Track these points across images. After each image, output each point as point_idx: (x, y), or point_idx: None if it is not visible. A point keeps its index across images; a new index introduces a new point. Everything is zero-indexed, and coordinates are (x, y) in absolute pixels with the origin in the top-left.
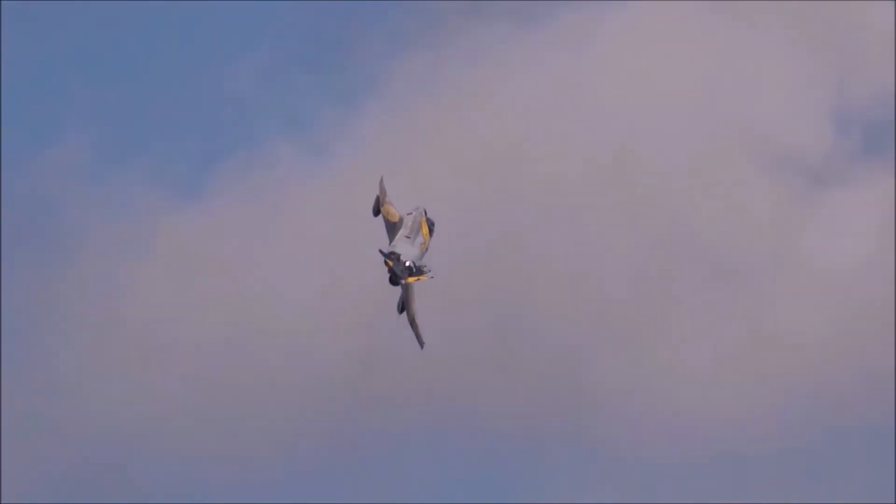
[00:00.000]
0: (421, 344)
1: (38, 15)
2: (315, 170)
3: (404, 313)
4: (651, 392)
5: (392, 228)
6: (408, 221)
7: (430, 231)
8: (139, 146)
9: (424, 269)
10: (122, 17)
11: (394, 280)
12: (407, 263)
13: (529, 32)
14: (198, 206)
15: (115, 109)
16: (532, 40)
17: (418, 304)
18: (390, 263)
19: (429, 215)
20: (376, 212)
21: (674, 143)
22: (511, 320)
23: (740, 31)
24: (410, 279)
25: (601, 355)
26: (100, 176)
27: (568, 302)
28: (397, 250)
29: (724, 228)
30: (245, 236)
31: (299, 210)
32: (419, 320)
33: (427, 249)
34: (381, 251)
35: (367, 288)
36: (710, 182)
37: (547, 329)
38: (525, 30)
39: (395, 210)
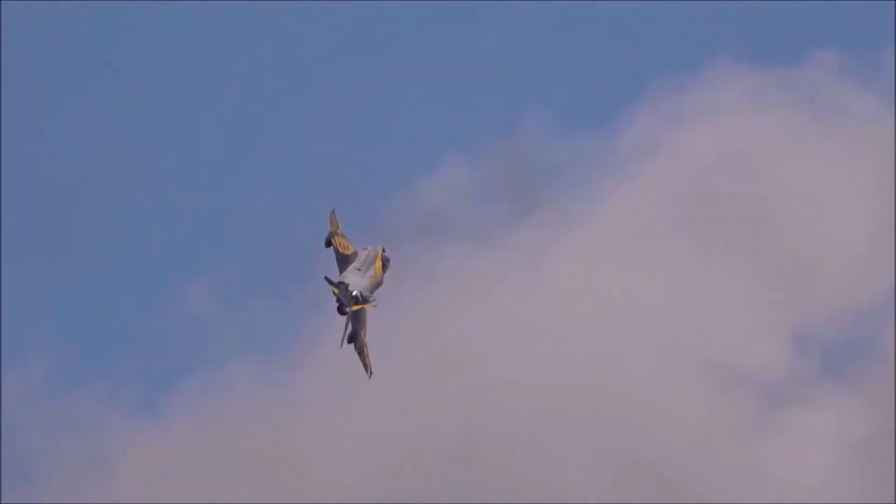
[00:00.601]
0: (369, 373)
1: None
2: (275, 388)
3: (352, 344)
4: None
5: (344, 261)
6: (361, 255)
7: (385, 267)
8: (96, 366)
9: (370, 299)
10: (80, 238)
11: (341, 309)
12: (354, 293)
13: (485, 252)
14: (156, 425)
15: (71, 328)
16: (488, 260)
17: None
18: (336, 291)
19: (386, 253)
20: (328, 243)
21: (632, 363)
22: None
23: (697, 253)
24: (355, 307)
25: None
26: (55, 395)
27: None
28: (346, 280)
29: (683, 448)
30: (205, 456)
31: (260, 429)
32: (368, 350)
33: (379, 283)
34: (326, 279)
35: None
36: (668, 403)
37: None
38: (481, 249)
39: (348, 243)
